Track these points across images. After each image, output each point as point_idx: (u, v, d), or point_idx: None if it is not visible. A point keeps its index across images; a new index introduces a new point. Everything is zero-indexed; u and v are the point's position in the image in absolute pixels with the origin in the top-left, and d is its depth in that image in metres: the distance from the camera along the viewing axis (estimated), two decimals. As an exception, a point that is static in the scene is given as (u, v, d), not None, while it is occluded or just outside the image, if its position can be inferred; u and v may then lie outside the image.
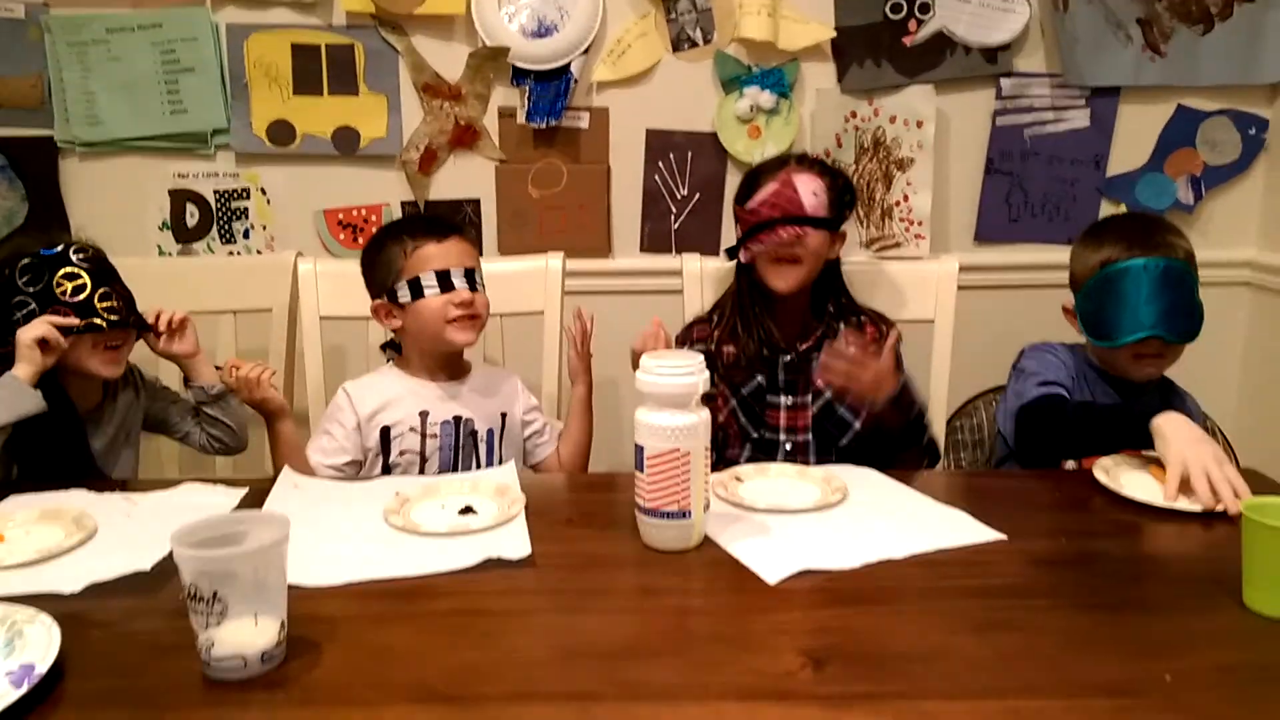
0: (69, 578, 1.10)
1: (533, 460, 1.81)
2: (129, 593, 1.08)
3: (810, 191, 1.69)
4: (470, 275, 1.66)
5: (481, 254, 2.41)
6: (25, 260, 1.56)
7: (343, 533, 1.24)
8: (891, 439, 1.64)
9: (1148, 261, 1.62)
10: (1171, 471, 1.36)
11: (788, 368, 1.76)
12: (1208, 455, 1.35)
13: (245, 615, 0.89)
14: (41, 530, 1.25)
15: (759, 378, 1.77)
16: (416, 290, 1.63)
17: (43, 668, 0.88)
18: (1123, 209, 2.38)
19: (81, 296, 1.55)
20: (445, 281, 1.63)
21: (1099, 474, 1.44)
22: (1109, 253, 1.67)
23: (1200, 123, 2.36)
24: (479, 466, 1.67)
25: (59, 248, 1.57)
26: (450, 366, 1.74)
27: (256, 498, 1.38)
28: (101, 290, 1.57)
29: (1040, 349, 1.79)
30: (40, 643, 0.92)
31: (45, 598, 1.04)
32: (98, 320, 1.55)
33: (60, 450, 1.56)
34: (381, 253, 1.68)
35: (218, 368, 1.74)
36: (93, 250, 1.62)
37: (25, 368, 1.49)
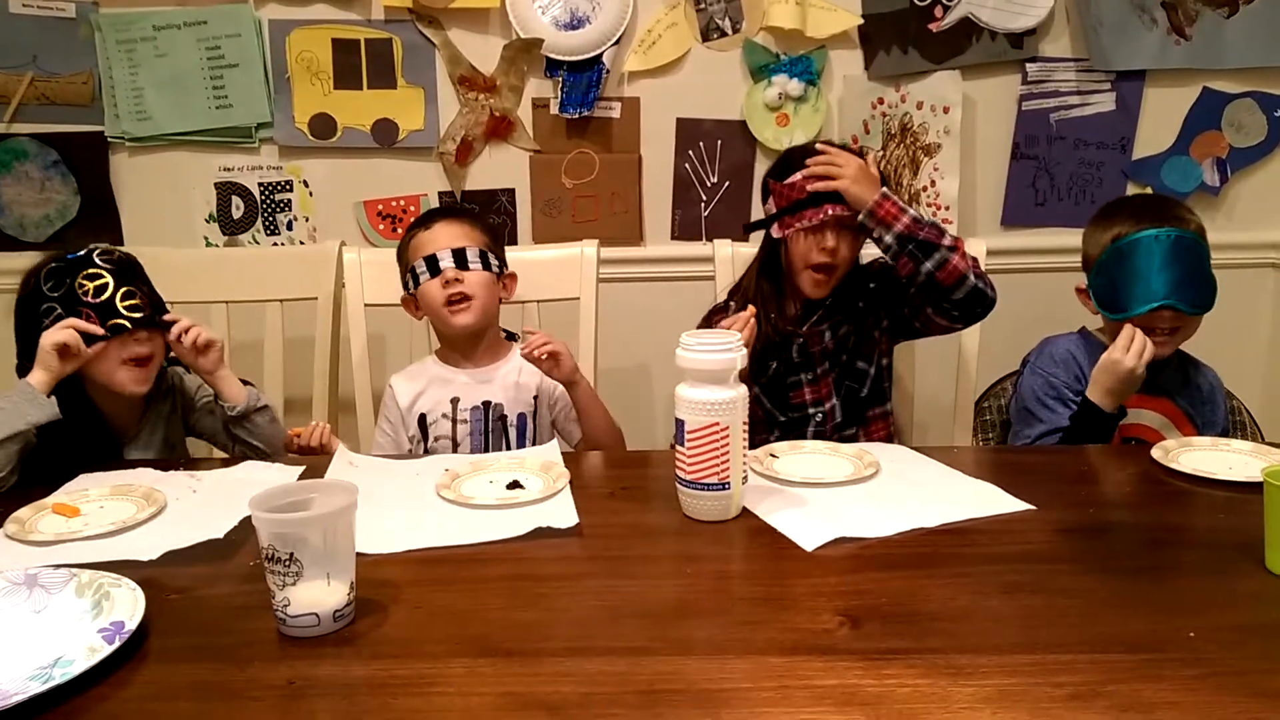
0: (146, 547, 1.16)
1: (574, 441, 1.83)
2: (203, 560, 1.15)
3: None
4: (460, 255, 1.70)
5: (515, 241, 2.46)
6: (51, 265, 1.53)
7: (399, 505, 1.30)
8: (929, 265, 1.63)
9: (1159, 232, 1.65)
10: (1119, 341, 1.60)
11: (801, 348, 1.80)
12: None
13: (318, 576, 0.95)
14: (114, 504, 1.32)
15: (773, 364, 1.80)
16: (415, 279, 1.72)
17: (132, 625, 0.94)
18: (1149, 192, 2.40)
19: (104, 297, 1.50)
20: (433, 265, 1.70)
21: (1156, 454, 1.45)
22: (1120, 228, 1.70)
23: (1225, 105, 2.37)
24: (509, 450, 1.68)
25: (83, 251, 1.54)
26: (480, 351, 1.78)
27: (314, 475, 1.44)
28: (124, 289, 1.52)
29: (1053, 355, 1.80)
30: (126, 603, 0.98)
31: (125, 565, 1.10)
32: (121, 320, 1.50)
33: (95, 470, 1.48)
34: (399, 251, 1.79)
35: (246, 382, 1.67)
36: (118, 253, 1.57)
37: (40, 374, 1.45)
